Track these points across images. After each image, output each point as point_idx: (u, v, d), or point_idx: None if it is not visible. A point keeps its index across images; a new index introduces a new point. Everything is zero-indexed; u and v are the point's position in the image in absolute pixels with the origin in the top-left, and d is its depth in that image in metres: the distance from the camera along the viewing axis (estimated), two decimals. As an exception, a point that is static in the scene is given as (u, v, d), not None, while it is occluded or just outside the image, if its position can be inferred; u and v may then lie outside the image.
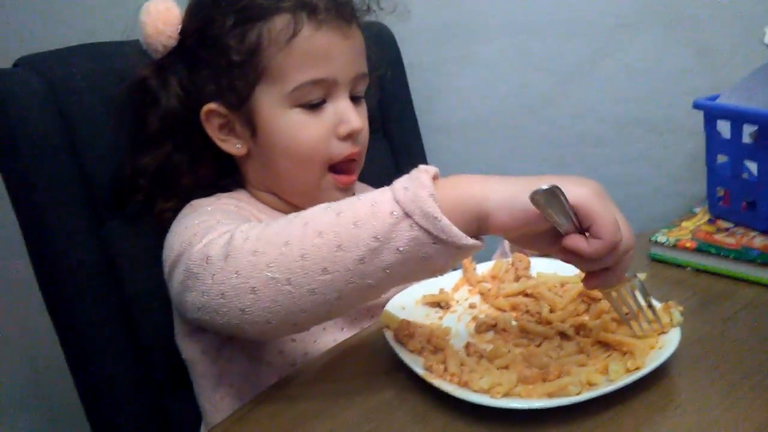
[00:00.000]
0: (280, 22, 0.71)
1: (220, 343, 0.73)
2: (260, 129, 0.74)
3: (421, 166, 0.56)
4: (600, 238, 0.52)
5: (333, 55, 0.73)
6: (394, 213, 0.53)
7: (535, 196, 0.50)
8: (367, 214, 0.54)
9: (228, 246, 0.59)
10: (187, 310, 0.63)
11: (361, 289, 0.56)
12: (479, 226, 0.55)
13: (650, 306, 0.61)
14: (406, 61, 1.13)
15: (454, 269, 0.78)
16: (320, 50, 0.72)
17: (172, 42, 0.76)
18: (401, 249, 0.53)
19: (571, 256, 0.54)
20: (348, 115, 0.74)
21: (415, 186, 0.54)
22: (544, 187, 0.50)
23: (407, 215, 0.53)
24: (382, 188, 0.56)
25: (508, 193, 0.53)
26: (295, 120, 0.73)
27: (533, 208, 0.52)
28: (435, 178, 0.55)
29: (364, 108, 0.79)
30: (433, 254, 0.54)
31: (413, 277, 0.58)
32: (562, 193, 0.50)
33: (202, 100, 0.75)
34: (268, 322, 0.58)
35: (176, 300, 0.67)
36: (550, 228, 0.53)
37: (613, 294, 0.60)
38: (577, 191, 0.52)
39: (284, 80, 0.72)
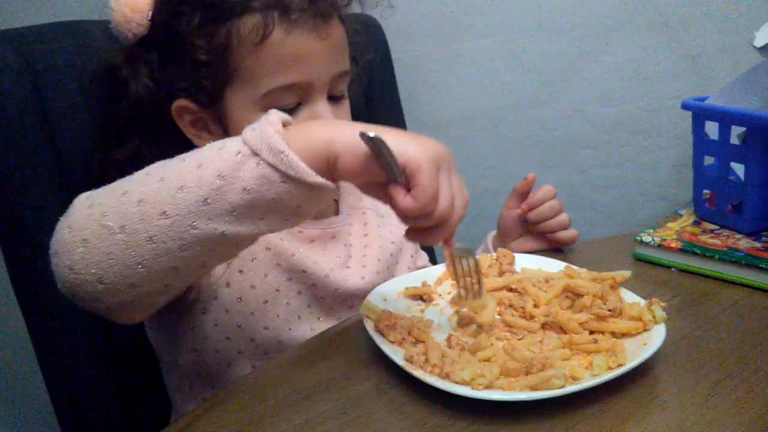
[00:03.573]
0: (249, 23, 0.67)
1: (186, 332, 0.71)
2: (232, 130, 0.72)
3: (272, 111, 0.55)
4: (415, 200, 0.52)
5: (307, 58, 0.69)
6: (241, 152, 0.51)
7: (364, 139, 0.52)
8: (213, 156, 0.52)
9: (70, 206, 0.56)
10: None
11: (209, 239, 0.52)
12: (329, 168, 0.53)
13: (479, 280, 0.64)
14: (394, 56, 1.12)
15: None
16: (293, 54, 0.68)
17: (142, 30, 0.73)
18: (248, 188, 0.51)
19: (393, 206, 0.55)
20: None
21: (263, 125, 0.53)
22: (371, 134, 0.51)
23: (254, 153, 0.51)
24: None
25: (355, 137, 0.52)
26: None
27: (373, 154, 0.52)
28: (286, 124, 0.54)
29: (345, 106, 0.76)
30: (282, 194, 0.52)
31: (266, 224, 0.54)
32: (387, 147, 0.51)
33: (173, 95, 0.72)
34: (101, 281, 0.52)
35: None
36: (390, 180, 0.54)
37: (446, 254, 0.62)
38: (411, 152, 0.52)
39: (255, 84, 0.69)
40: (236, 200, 0.51)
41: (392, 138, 0.52)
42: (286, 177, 0.51)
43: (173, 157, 0.72)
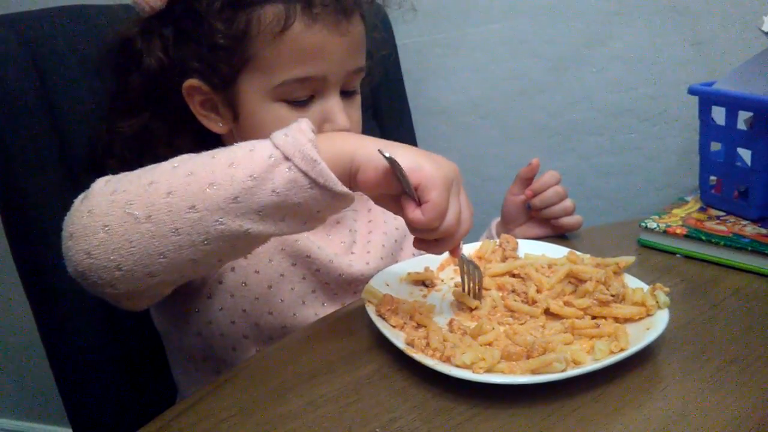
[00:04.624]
0: (271, 13, 0.67)
1: (191, 316, 0.72)
2: (242, 116, 0.72)
3: (302, 119, 0.57)
4: (423, 214, 0.55)
5: (325, 53, 0.68)
6: (272, 156, 0.53)
7: (383, 155, 0.55)
8: (244, 157, 0.54)
9: (88, 190, 0.56)
10: None
11: (232, 235, 0.53)
12: (349, 179, 0.56)
13: (479, 289, 0.67)
14: (398, 42, 1.12)
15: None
16: (311, 48, 0.68)
17: (160, 4, 0.72)
18: (276, 191, 0.53)
19: (404, 218, 0.57)
20: (335, 115, 0.71)
21: (295, 132, 0.55)
22: (386, 153, 0.54)
23: (286, 158, 0.53)
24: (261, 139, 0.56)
25: (376, 152, 0.55)
26: (278, 115, 0.70)
27: (391, 168, 0.55)
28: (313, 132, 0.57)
29: (357, 102, 0.76)
30: (308, 199, 0.54)
31: (286, 226, 0.56)
32: (399, 166, 0.54)
33: (185, 74, 0.71)
34: (119, 268, 0.53)
35: None
36: (403, 192, 0.57)
37: (457, 261, 0.67)
38: (427, 170, 0.55)
39: (270, 74, 0.68)
40: (265, 201, 0.53)
41: (409, 155, 0.55)
42: (314, 183, 0.53)
43: (181, 133, 0.74)
